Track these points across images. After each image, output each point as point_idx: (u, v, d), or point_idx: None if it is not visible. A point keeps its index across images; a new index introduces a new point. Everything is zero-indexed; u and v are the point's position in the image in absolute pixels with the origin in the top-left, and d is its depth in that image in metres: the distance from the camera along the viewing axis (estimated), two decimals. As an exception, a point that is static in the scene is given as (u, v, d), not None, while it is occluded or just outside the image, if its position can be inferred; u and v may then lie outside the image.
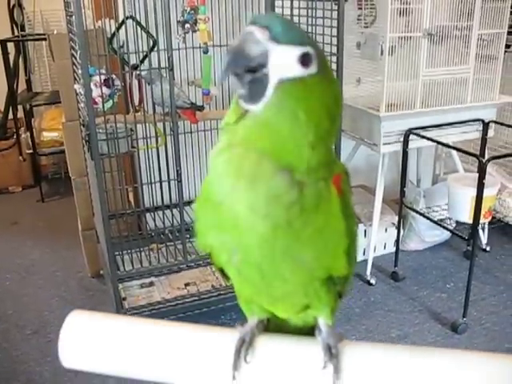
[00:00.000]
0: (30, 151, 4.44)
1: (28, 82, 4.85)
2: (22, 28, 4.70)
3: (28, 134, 4.41)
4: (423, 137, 2.84)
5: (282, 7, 2.62)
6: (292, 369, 0.74)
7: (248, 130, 0.64)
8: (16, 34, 4.69)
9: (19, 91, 4.73)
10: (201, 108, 2.61)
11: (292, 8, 2.64)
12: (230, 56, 0.61)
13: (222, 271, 0.79)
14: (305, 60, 0.62)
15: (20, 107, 4.57)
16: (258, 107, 0.63)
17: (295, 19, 2.66)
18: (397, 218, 3.18)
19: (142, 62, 2.48)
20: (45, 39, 4.18)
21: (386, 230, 3.35)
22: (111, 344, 0.78)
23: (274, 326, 0.82)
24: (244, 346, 0.75)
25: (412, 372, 0.71)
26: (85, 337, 0.78)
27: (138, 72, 2.47)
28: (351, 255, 0.74)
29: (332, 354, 0.72)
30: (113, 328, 0.79)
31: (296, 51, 0.62)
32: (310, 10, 2.58)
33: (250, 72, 0.62)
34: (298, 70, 0.62)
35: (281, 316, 0.80)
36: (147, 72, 2.41)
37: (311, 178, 0.65)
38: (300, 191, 0.64)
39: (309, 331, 0.79)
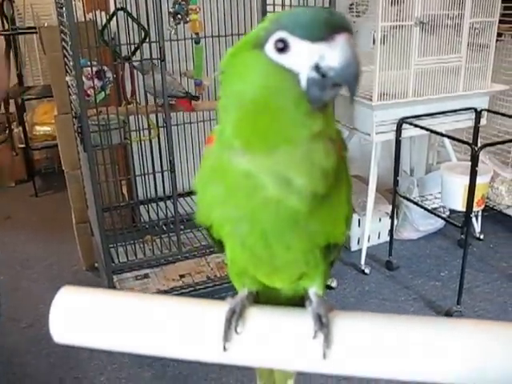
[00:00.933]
0: (23, 146, 4.43)
1: (19, 76, 4.83)
2: (13, 22, 4.66)
3: (20, 128, 4.39)
4: (416, 125, 2.85)
5: (274, -3, 2.61)
6: (283, 339, 0.74)
7: (319, 122, 0.64)
8: (6, 27, 4.65)
9: (11, 85, 4.70)
10: (196, 98, 2.60)
11: (284, -3, 2.63)
12: (354, 75, 0.61)
13: (217, 243, 0.79)
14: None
15: (12, 101, 4.55)
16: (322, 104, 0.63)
17: (287, 8, 2.66)
18: (390, 207, 3.20)
19: (133, 53, 2.48)
20: (36, 32, 4.16)
21: (380, 219, 3.36)
22: (102, 318, 0.78)
23: (263, 297, 0.83)
24: (234, 317, 0.75)
25: (401, 339, 0.72)
26: (75, 312, 0.78)
27: (131, 62, 2.46)
28: (349, 222, 0.75)
29: (322, 323, 0.73)
30: (103, 302, 0.79)
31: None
32: (302, 0, 2.59)
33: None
34: None
35: (275, 286, 0.80)
36: (139, 63, 2.41)
37: (332, 143, 0.66)
38: (331, 159, 0.65)
39: (298, 302, 0.80)
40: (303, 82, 0.61)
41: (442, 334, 0.71)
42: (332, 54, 0.60)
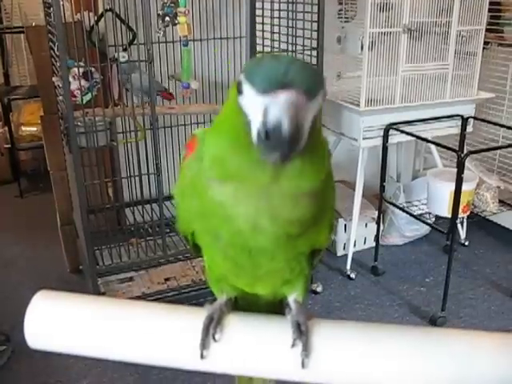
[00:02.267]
0: (8, 146, 4.38)
1: (6, 75, 4.78)
2: (0, 21, 4.63)
3: (6, 128, 4.35)
4: (403, 132, 2.86)
5: (263, 1, 2.61)
6: (261, 347, 0.74)
7: (290, 175, 0.62)
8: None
9: (-3, 85, 4.67)
10: (170, 94, 2.71)
11: (273, 2, 2.64)
12: (291, 136, 0.56)
13: (193, 248, 0.79)
14: (323, 100, 0.61)
15: (-2, 101, 4.50)
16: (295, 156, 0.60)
17: (276, 13, 2.66)
18: (377, 212, 3.20)
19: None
20: (23, 32, 4.13)
21: (366, 224, 3.37)
22: (78, 324, 0.77)
23: (242, 303, 0.82)
24: (212, 325, 0.74)
25: (380, 348, 0.72)
26: (51, 317, 0.77)
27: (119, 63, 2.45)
28: (332, 227, 0.76)
29: (301, 331, 0.72)
30: (80, 308, 0.79)
31: (320, 97, 0.60)
32: (290, 5, 2.59)
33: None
34: (316, 111, 0.61)
35: (255, 293, 0.80)
36: (126, 64, 2.39)
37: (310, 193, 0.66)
38: (300, 210, 0.65)
39: (278, 307, 0.79)
40: (254, 132, 0.59)
41: (421, 343, 0.71)
42: (270, 111, 0.57)
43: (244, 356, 0.74)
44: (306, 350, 0.71)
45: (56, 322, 0.77)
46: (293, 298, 0.78)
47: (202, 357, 0.73)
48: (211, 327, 0.74)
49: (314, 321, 0.74)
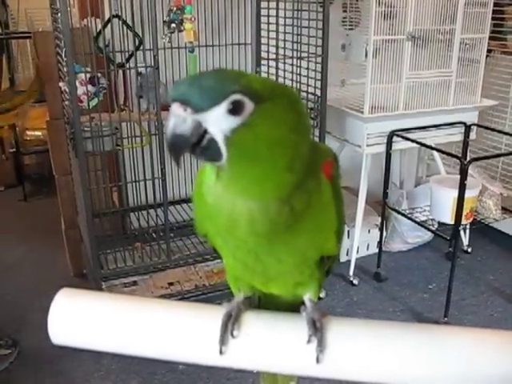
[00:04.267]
0: (13, 150, 4.40)
1: (11, 80, 4.81)
2: (6, 26, 4.65)
3: (11, 132, 4.37)
4: (406, 138, 2.87)
5: (268, 8, 2.63)
6: (278, 343, 0.76)
7: (226, 184, 0.67)
8: (0, 31, 4.64)
9: (2, 89, 4.69)
10: None
11: (278, 10, 2.65)
12: (169, 144, 0.64)
13: (216, 250, 0.81)
14: (236, 109, 0.62)
15: (3, 106, 4.52)
16: (223, 163, 0.64)
17: (281, 21, 2.68)
18: (380, 219, 3.21)
19: (127, 60, 2.49)
20: (29, 37, 4.16)
21: (369, 231, 3.38)
22: (100, 321, 0.79)
23: (264, 302, 0.85)
24: (230, 321, 0.77)
25: (393, 345, 0.74)
26: (74, 313, 0.79)
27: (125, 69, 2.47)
28: (340, 235, 0.77)
29: (316, 328, 0.75)
30: (101, 305, 0.80)
31: (222, 109, 0.62)
32: (295, 12, 2.61)
33: (196, 144, 0.64)
34: (234, 121, 0.62)
35: (272, 293, 0.82)
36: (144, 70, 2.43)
37: (301, 185, 0.67)
38: (291, 207, 0.67)
39: (298, 307, 0.81)
40: None
41: (433, 340, 0.73)
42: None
43: (261, 351, 0.76)
44: (321, 346, 0.74)
45: (78, 318, 0.79)
46: (308, 296, 0.81)
47: (220, 352, 0.75)
48: (229, 324, 0.77)
49: (328, 318, 0.77)
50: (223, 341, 0.75)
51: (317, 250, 0.75)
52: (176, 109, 0.62)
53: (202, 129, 0.63)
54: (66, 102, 2.50)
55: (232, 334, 0.76)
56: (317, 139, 2.72)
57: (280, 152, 0.64)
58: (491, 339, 0.73)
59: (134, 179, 2.71)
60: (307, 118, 0.70)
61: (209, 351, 0.75)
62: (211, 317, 0.78)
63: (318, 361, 0.73)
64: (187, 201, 3.04)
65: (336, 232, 0.75)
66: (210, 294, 2.68)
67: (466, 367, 0.71)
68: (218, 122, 0.62)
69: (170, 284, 2.82)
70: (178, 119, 0.62)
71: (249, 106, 0.62)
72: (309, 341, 0.74)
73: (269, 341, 0.76)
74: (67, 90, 2.29)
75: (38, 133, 4.42)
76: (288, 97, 0.67)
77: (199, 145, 0.63)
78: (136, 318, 0.79)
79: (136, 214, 2.91)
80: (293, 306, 0.82)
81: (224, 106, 0.62)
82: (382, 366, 0.73)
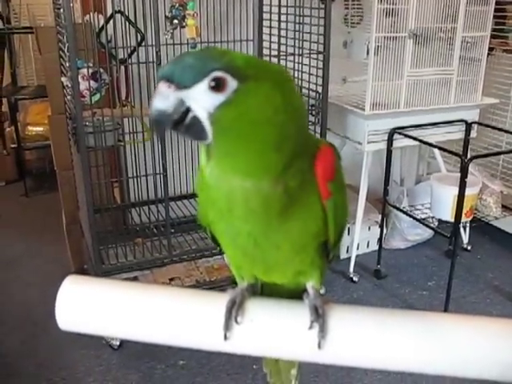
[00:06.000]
0: (15, 145, 4.41)
1: (13, 75, 4.81)
2: (8, 21, 4.66)
3: (13, 127, 4.38)
4: (407, 136, 2.88)
5: (270, 5, 2.64)
6: (280, 329, 0.78)
7: (216, 162, 0.68)
8: (1, 26, 4.64)
9: (4, 84, 4.70)
10: None
11: (280, 6, 2.66)
12: (153, 120, 0.65)
13: (216, 241, 0.82)
14: (218, 86, 0.63)
15: (5, 101, 4.53)
16: (210, 141, 0.65)
17: (283, 17, 2.69)
18: (380, 216, 3.22)
19: (129, 56, 2.49)
20: (31, 32, 4.16)
21: (369, 228, 3.39)
22: (106, 307, 0.81)
23: (267, 290, 0.86)
24: (234, 307, 0.78)
25: (393, 331, 0.75)
26: (81, 300, 0.81)
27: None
28: (337, 223, 0.77)
29: (318, 314, 0.76)
30: (108, 291, 0.82)
31: (203, 86, 0.63)
32: (297, 9, 2.61)
33: (180, 122, 0.65)
34: (217, 99, 0.63)
35: (274, 281, 0.83)
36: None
37: (293, 165, 0.68)
38: (284, 187, 0.68)
39: (301, 295, 0.82)
40: None
41: (434, 327, 0.74)
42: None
43: (264, 337, 0.78)
44: (323, 332, 0.75)
45: (85, 304, 0.80)
46: (310, 284, 0.82)
47: (225, 338, 0.77)
48: (233, 310, 0.78)
49: (330, 305, 0.78)
50: (227, 326, 0.77)
51: (313, 236, 0.75)
52: (161, 86, 0.64)
53: (184, 106, 0.64)
54: (68, 97, 2.51)
55: (236, 320, 0.77)
56: (318, 136, 2.73)
57: (265, 131, 0.65)
58: (492, 326, 0.74)
59: (135, 174, 2.72)
60: (297, 99, 0.70)
61: (213, 337, 0.77)
62: (216, 303, 0.80)
63: (319, 346, 0.75)
64: (188, 196, 3.05)
65: (333, 221, 0.75)
66: (211, 289, 2.68)
67: (467, 354, 0.72)
68: (201, 99, 0.63)
69: (171, 279, 2.83)
70: (162, 96, 0.64)
71: (232, 83, 0.63)
72: (311, 327, 0.76)
73: (272, 327, 0.78)
74: (69, 85, 2.30)
75: (40, 128, 4.42)
76: (275, 76, 0.67)
77: (183, 122, 0.64)
78: (142, 303, 0.80)
79: (137, 209, 2.92)
80: (296, 294, 0.83)
81: (206, 83, 0.63)
82: (382, 352, 0.74)
